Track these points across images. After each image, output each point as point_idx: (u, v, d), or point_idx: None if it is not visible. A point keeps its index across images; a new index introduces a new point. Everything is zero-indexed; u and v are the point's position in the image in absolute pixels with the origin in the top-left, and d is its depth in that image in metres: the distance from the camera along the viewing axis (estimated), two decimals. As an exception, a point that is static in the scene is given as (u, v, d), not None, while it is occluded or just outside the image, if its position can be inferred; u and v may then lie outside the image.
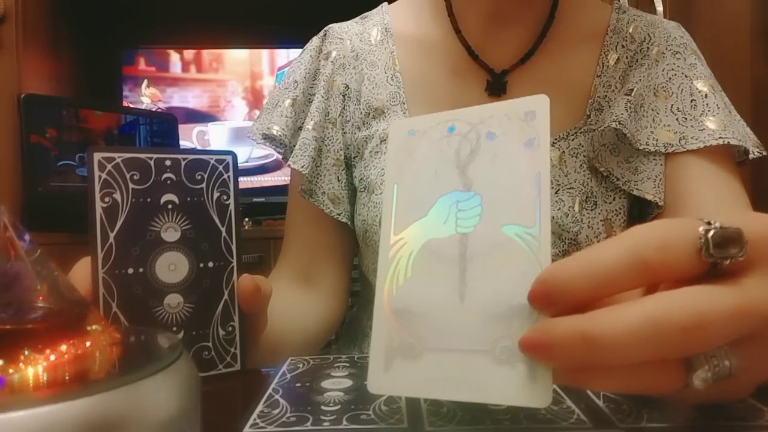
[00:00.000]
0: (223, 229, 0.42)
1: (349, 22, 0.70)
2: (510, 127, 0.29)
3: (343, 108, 0.65)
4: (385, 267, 0.30)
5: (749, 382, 0.28)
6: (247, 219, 1.90)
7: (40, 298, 0.26)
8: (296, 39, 1.75)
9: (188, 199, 0.41)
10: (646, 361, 0.24)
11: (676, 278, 0.25)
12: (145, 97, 2.13)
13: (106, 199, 0.38)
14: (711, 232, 0.24)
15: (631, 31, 0.63)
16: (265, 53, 2.19)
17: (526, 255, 0.26)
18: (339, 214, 0.64)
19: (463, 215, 0.29)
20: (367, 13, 0.71)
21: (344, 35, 0.68)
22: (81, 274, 0.38)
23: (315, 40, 0.68)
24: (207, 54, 2.17)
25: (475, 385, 0.26)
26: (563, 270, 0.24)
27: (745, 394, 0.29)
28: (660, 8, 1.50)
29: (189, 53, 2.17)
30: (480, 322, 0.27)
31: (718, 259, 0.24)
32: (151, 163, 0.40)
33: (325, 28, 0.69)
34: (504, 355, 0.25)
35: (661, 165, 0.58)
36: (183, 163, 0.41)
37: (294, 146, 0.63)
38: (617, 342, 0.23)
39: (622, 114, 0.56)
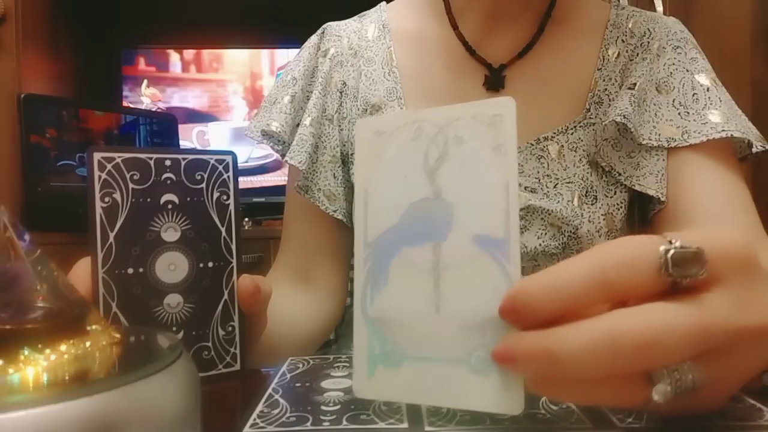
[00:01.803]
0: (223, 229, 0.42)
1: (347, 20, 0.70)
2: (477, 132, 0.29)
3: (340, 105, 0.65)
4: (361, 274, 0.31)
5: (718, 395, 0.28)
6: (247, 219, 1.90)
7: (40, 298, 0.26)
8: (296, 39, 1.75)
9: (188, 199, 0.41)
10: (608, 375, 0.25)
11: (639, 295, 0.25)
12: (145, 97, 2.13)
13: (106, 199, 0.38)
14: (670, 252, 0.25)
15: (630, 26, 0.63)
16: (265, 53, 2.19)
17: (496, 268, 0.27)
18: (335, 211, 0.64)
19: (434, 224, 0.29)
20: (365, 12, 0.71)
21: (342, 33, 0.68)
22: (81, 274, 0.38)
23: (313, 38, 0.68)
24: (207, 54, 2.17)
25: (453, 392, 0.28)
26: (529, 287, 0.25)
27: (717, 406, 0.29)
28: (660, 8, 1.50)
29: (189, 53, 2.17)
30: (456, 333, 0.28)
31: (678, 278, 0.25)
32: (151, 163, 0.40)
33: (323, 26, 0.69)
34: (479, 365, 0.27)
35: (664, 160, 0.58)
36: (183, 163, 0.41)
37: (292, 143, 0.63)
38: (575, 358, 0.24)
39: (626, 108, 0.56)
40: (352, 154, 0.65)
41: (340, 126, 0.65)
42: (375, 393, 0.30)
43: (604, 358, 0.24)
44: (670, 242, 0.25)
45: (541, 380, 0.25)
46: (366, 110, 0.63)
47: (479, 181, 0.28)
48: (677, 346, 0.24)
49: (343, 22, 0.69)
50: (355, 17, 0.71)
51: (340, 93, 0.65)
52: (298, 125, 0.64)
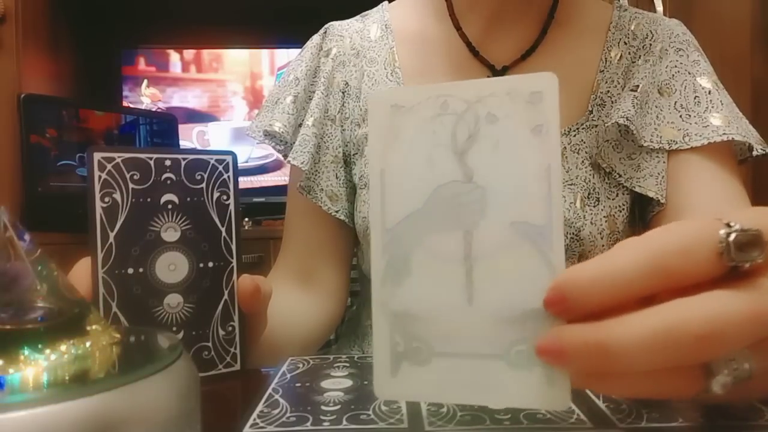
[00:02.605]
0: (223, 229, 0.42)
1: (349, 20, 0.70)
2: (514, 110, 0.26)
3: (343, 105, 0.65)
4: (380, 264, 0.28)
5: None
6: (247, 219, 1.90)
7: (40, 298, 0.26)
8: (296, 39, 1.75)
9: (188, 199, 0.41)
10: (664, 367, 0.24)
11: (694, 282, 0.24)
12: (145, 97, 2.13)
13: (106, 199, 0.38)
14: (732, 236, 0.24)
15: (633, 28, 0.63)
16: (265, 53, 2.19)
17: (537, 257, 0.25)
18: (337, 212, 0.64)
19: (465, 210, 0.26)
20: (367, 12, 0.71)
21: (344, 33, 0.68)
22: (81, 274, 0.38)
23: (315, 38, 0.68)
24: (207, 54, 2.17)
25: (490, 389, 0.26)
26: (580, 276, 0.24)
27: (767, 394, 0.29)
28: (660, 8, 1.50)
29: (189, 53, 2.17)
30: (491, 326, 0.26)
31: (739, 262, 0.24)
32: (151, 163, 0.40)
33: (326, 26, 0.69)
34: (519, 360, 0.25)
35: (664, 162, 0.58)
36: (183, 163, 0.41)
37: (294, 143, 0.63)
38: (631, 351, 0.23)
39: (629, 110, 0.56)
40: (354, 155, 0.65)
41: (342, 126, 0.65)
42: (399, 393, 0.28)
43: (663, 351, 0.23)
44: (729, 225, 0.24)
45: (590, 374, 0.24)
46: (368, 111, 0.63)
47: (516, 164, 0.26)
48: (739, 336, 0.23)
49: (345, 22, 0.69)
50: (357, 17, 0.70)
51: (343, 93, 0.65)
52: (300, 125, 0.64)
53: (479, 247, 0.26)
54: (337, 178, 0.64)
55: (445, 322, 0.27)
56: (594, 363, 0.23)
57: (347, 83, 0.65)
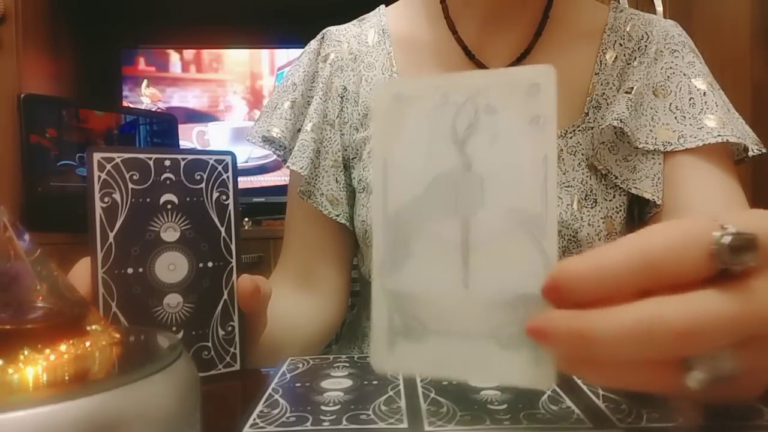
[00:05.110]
0: (223, 229, 0.42)
1: (346, 24, 0.70)
2: (512, 101, 0.27)
3: (341, 110, 0.65)
4: (380, 246, 0.29)
5: (757, 383, 0.28)
6: (246, 219, 1.90)
7: (40, 298, 0.26)
8: (296, 39, 1.75)
9: (187, 199, 0.41)
10: (643, 359, 0.24)
11: (685, 281, 0.24)
12: (145, 97, 2.13)
13: (106, 199, 0.38)
14: (726, 238, 0.24)
15: (628, 29, 0.63)
16: (265, 53, 2.19)
17: (531, 244, 0.26)
18: (337, 216, 0.64)
19: (463, 197, 0.28)
20: (364, 16, 0.71)
21: (342, 38, 0.68)
22: (81, 274, 0.38)
23: (313, 43, 0.68)
24: (207, 54, 2.17)
25: (480, 367, 0.27)
26: (573, 269, 0.25)
27: (754, 395, 0.29)
28: (660, 8, 1.50)
29: (189, 53, 2.17)
30: (485, 309, 0.27)
31: (731, 265, 0.24)
32: (151, 163, 0.40)
33: (323, 31, 0.69)
34: (509, 341, 0.26)
35: (660, 164, 0.58)
36: (182, 163, 0.41)
37: (293, 148, 0.63)
38: (610, 340, 0.23)
39: (623, 112, 0.56)
40: (353, 159, 0.65)
41: (341, 131, 0.65)
42: (395, 367, 0.30)
43: (641, 343, 0.23)
44: (723, 227, 0.24)
45: (574, 359, 0.25)
46: (366, 115, 0.64)
47: (514, 154, 0.27)
48: (717, 335, 0.24)
49: (342, 27, 0.69)
50: (354, 21, 0.70)
51: (341, 98, 0.65)
52: (299, 130, 0.64)
53: (476, 233, 0.27)
54: (337, 182, 0.64)
55: (441, 303, 0.28)
56: (575, 348, 0.24)
57: (345, 88, 0.65)
